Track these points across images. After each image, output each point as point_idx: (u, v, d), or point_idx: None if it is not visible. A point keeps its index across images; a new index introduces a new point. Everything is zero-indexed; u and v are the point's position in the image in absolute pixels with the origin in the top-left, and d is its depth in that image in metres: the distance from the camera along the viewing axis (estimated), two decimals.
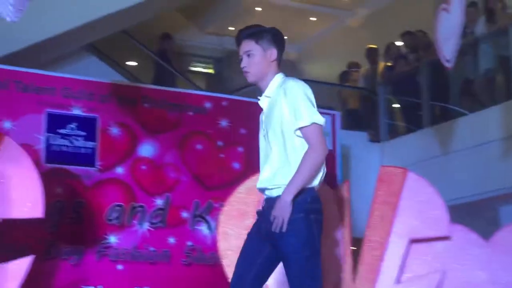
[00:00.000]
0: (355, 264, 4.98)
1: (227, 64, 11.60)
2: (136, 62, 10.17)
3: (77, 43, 8.12)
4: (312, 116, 3.49)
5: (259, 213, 3.61)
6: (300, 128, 3.48)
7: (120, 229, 6.01)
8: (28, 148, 5.40)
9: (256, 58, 3.60)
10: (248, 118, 6.07)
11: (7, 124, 5.64)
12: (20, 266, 4.55)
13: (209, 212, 6.31)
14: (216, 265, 5.42)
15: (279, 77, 3.63)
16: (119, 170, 6.10)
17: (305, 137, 3.49)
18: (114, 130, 6.14)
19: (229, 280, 3.62)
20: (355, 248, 5.10)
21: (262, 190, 3.59)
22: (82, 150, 5.99)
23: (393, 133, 9.04)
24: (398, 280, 4.83)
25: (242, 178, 5.34)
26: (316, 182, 3.49)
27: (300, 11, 11.76)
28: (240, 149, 6.62)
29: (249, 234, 3.60)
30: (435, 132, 8.00)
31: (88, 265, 5.82)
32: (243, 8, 11.25)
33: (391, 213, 4.91)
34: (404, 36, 9.59)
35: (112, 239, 5.97)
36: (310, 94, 3.54)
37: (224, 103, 6.73)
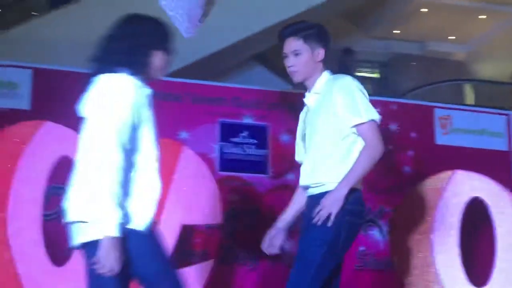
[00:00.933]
0: None
1: (393, 68, 11.45)
2: None
3: (245, 54, 8.35)
4: (369, 112, 3.39)
5: (304, 214, 3.57)
6: (356, 125, 3.37)
7: (295, 234, 6.07)
8: (203, 157, 5.64)
9: (304, 57, 3.52)
10: (417, 122, 5.96)
11: (184, 135, 5.89)
12: (202, 271, 4.73)
13: (381, 216, 6.24)
14: (387, 271, 5.36)
15: (327, 74, 3.56)
16: (291, 176, 6.19)
17: (362, 134, 3.38)
18: (285, 137, 6.23)
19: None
20: None
21: (306, 188, 3.52)
22: (254, 158, 6.14)
23: None
24: None
25: (412, 181, 5.25)
26: (360, 184, 3.42)
27: (469, 10, 11.41)
28: (410, 152, 6.50)
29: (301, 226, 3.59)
30: None
31: (264, 270, 5.94)
32: (409, 10, 11.07)
33: None
34: None
35: (287, 244, 6.02)
36: (364, 90, 3.44)
37: (393, 107, 6.65)
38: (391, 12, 10.78)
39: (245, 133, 6.11)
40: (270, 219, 6.07)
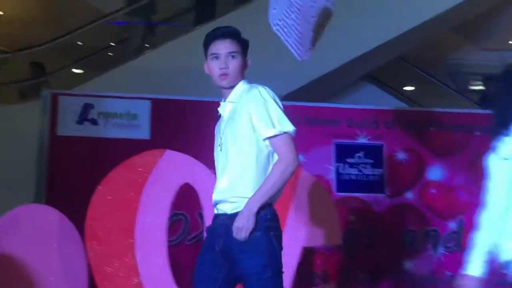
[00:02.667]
0: None
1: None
2: (413, 86, 10.15)
3: (356, 74, 8.32)
4: (283, 124, 3.18)
5: (209, 231, 3.29)
6: (269, 138, 3.16)
7: (414, 254, 5.99)
8: (320, 179, 5.65)
9: (239, 62, 3.33)
10: None
11: (300, 158, 5.92)
12: None
13: None
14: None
15: (244, 82, 3.35)
16: (409, 195, 6.11)
17: (274, 147, 3.17)
18: (400, 156, 6.17)
19: None
20: None
21: (216, 204, 3.27)
22: (371, 178, 6.10)
23: None
24: None
25: None
26: (277, 198, 3.20)
27: None
28: None
29: (200, 257, 3.27)
30: None
31: None
32: None
33: None
34: None
35: (407, 264, 5.97)
36: (279, 101, 3.24)
37: None
38: (505, 22, 10.45)
39: (360, 153, 6.09)
40: (389, 238, 6.06)
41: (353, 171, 6.07)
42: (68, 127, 5.74)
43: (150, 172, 4.56)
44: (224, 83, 3.30)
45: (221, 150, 3.27)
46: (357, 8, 7.17)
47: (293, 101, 6.49)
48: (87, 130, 5.72)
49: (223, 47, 3.30)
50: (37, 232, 4.43)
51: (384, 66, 8.75)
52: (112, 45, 9.38)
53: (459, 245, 6.02)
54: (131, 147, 5.35)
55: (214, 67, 3.30)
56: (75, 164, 5.59)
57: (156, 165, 4.60)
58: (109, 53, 9.44)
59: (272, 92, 3.27)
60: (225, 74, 3.28)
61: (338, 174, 6.04)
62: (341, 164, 6.05)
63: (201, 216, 5.30)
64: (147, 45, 8.71)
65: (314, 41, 3.97)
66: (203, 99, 5.78)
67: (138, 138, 5.66)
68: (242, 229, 3.06)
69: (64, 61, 9.20)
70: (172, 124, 5.76)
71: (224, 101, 3.34)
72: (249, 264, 3.07)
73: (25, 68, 8.60)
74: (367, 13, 7.30)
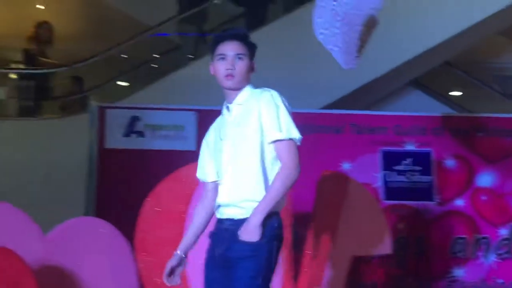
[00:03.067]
0: None
1: None
2: (460, 91, 10.01)
3: (402, 80, 8.24)
4: (291, 130, 3.14)
5: (212, 236, 3.23)
6: (275, 141, 3.13)
7: (465, 262, 5.90)
8: (367, 187, 5.60)
9: (245, 65, 3.27)
10: None
11: (346, 166, 5.91)
12: None
13: None
14: None
15: (251, 87, 3.30)
16: (459, 202, 6.02)
17: (279, 152, 3.14)
18: (449, 162, 6.09)
19: None
20: None
21: (220, 206, 3.22)
22: (419, 185, 6.03)
23: None
24: None
25: None
26: (282, 206, 3.18)
27: None
28: None
29: (206, 264, 3.24)
30: None
31: None
32: None
33: None
34: None
35: (458, 272, 5.88)
36: (289, 107, 3.20)
37: None
38: None
39: (408, 161, 6.03)
40: (439, 246, 5.98)
41: (401, 178, 6.02)
42: (116, 140, 5.81)
43: (197, 183, 4.57)
44: (229, 83, 3.25)
45: (226, 151, 3.23)
46: (403, 14, 7.11)
47: (338, 109, 6.49)
48: (134, 143, 5.79)
49: (230, 48, 3.28)
50: (88, 244, 4.48)
51: (430, 72, 8.65)
52: (156, 57, 9.46)
53: (511, 252, 5.93)
54: (178, 159, 5.37)
55: (220, 68, 3.26)
56: (123, 176, 5.66)
57: None
58: (153, 65, 9.53)
59: (283, 97, 3.26)
60: (231, 75, 3.23)
61: (386, 182, 5.99)
62: (389, 172, 6.00)
63: None
64: (191, 56, 8.77)
65: (359, 49, 3.95)
66: None
67: (184, 150, 5.70)
68: (247, 243, 3.04)
69: (109, 74, 9.32)
70: None
71: (231, 103, 3.28)
72: (245, 266, 3.06)
73: (69, 82, 8.74)
74: (413, 19, 7.24)
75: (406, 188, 6.02)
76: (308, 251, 4.67)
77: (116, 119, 5.83)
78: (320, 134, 5.94)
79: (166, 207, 4.52)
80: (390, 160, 6.03)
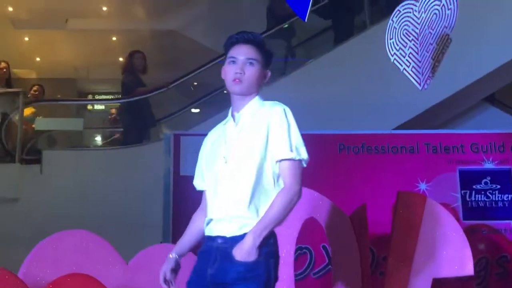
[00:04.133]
0: None
1: None
2: None
3: (477, 97, 8.10)
4: (300, 151, 3.01)
5: (201, 254, 3.05)
6: (282, 160, 3.00)
7: None
8: (446, 207, 5.50)
9: (256, 71, 3.11)
10: None
11: (423, 186, 5.83)
12: None
13: None
14: None
15: (260, 98, 3.13)
16: None
17: (284, 171, 3.01)
18: None
19: None
20: None
21: (210, 222, 3.04)
22: (499, 204, 5.89)
23: None
24: None
25: None
26: (279, 226, 3.01)
27: None
28: None
29: (191, 282, 3.04)
30: None
31: None
32: None
33: None
34: None
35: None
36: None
37: None
38: None
39: (487, 179, 5.91)
40: None
41: (480, 197, 5.89)
42: (191, 167, 5.86)
43: None
44: (236, 88, 3.11)
45: (226, 162, 3.09)
46: (477, 31, 7.01)
47: (411, 128, 6.42)
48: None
49: (242, 51, 3.14)
50: None
51: (506, 88, 8.46)
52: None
53: None
54: None
55: (229, 71, 3.14)
56: (198, 204, 5.71)
57: None
58: (225, 91, 9.64)
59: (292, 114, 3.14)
60: (239, 80, 3.10)
61: (465, 201, 5.88)
62: (467, 191, 5.89)
63: (325, 249, 5.28)
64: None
65: (434, 68, 3.91)
66: (324, 133, 5.80)
67: None
68: (242, 263, 2.92)
69: (182, 101, 9.48)
70: None
71: (238, 111, 3.15)
72: (245, 285, 2.93)
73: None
74: (486, 35, 7.13)
75: (485, 207, 5.89)
76: (387, 273, 4.62)
77: (191, 146, 5.90)
78: (394, 154, 5.88)
79: None
80: (468, 179, 5.92)
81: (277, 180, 3.05)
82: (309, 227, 4.75)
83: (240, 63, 3.12)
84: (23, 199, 7.76)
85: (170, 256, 3.23)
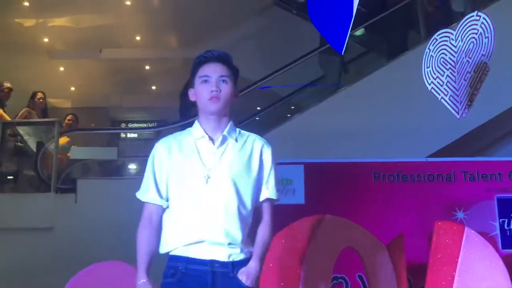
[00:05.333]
0: None
1: None
2: None
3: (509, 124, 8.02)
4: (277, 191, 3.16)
5: (184, 277, 2.98)
6: (269, 199, 3.14)
7: None
8: (484, 236, 5.40)
9: (231, 88, 3.12)
10: None
11: (460, 215, 5.74)
12: None
13: None
14: None
15: (232, 124, 3.16)
16: None
17: (266, 209, 3.16)
18: None
19: None
20: None
21: (204, 244, 2.99)
22: None
23: None
24: None
25: None
26: None
27: None
28: None
29: None
30: None
31: None
32: None
33: None
34: None
35: None
36: None
37: None
38: None
39: None
40: None
41: None
42: None
43: (311, 238, 4.54)
44: (213, 107, 3.10)
45: (206, 183, 3.05)
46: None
47: (446, 155, 6.35)
48: None
49: (214, 69, 3.14)
50: None
51: None
52: (259, 109, 9.62)
53: None
54: (287, 213, 5.36)
55: (203, 90, 3.11)
56: None
57: (317, 231, 4.59)
58: (257, 118, 9.68)
59: None
60: (216, 97, 3.09)
61: (503, 229, 5.77)
62: (506, 219, 5.78)
63: (361, 278, 5.22)
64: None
65: (471, 97, 3.87)
66: (359, 161, 5.76)
67: (293, 203, 5.68)
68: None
69: None
70: (325, 188, 5.75)
71: (214, 133, 3.14)
72: None
73: None
74: None
75: None
76: None
77: None
78: (431, 183, 5.81)
79: (279, 262, 4.50)
80: (507, 207, 5.81)
81: (253, 213, 3.14)
82: (345, 256, 4.71)
83: (214, 81, 3.11)
84: (58, 228, 7.82)
85: (143, 281, 3.15)
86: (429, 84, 3.89)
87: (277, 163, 5.90)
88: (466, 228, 4.75)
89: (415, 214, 5.63)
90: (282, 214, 5.37)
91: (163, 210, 3.19)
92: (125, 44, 12.91)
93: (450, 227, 4.75)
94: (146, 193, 3.22)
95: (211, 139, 3.14)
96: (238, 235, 3.04)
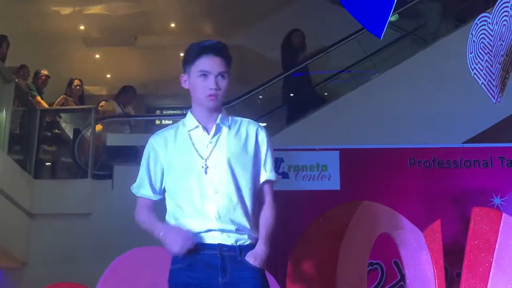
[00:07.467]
0: None
1: None
2: None
3: None
4: (274, 172, 3.16)
5: (200, 263, 2.98)
6: (269, 181, 3.12)
7: None
8: None
9: (228, 83, 3.07)
10: None
11: (497, 201, 5.68)
12: None
13: None
14: None
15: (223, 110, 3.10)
16: None
17: (267, 191, 3.13)
18: None
19: None
20: None
21: (202, 232, 3.00)
22: None
23: None
24: None
25: None
26: None
27: None
28: None
29: None
30: None
31: None
32: None
33: None
34: None
35: None
36: None
37: None
38: None
39: None
40: None
41: None
42: None
43: (347, 224, 4.56)
44: (211, 104, 3.07)
45: (205, 173, 3.05)
46: None
47: (482, 141, 6.28)
48: (279, 184, 5.80)
49: (214, 65, 3.06)
50: None
51: None
52: (291, 96, 9.60)
53: None
54: (323, 199, 5.40)
55: (200, 86, 3.06)
56: None
57: (353, 217, 4.60)
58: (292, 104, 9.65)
59: None
60: (215, 96, 3.05)
61: None
62: None
63: (397, 264, 5.21)
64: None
65: (504, 81, 3.84)
66: (394, 147, 5.74)
67: (329, 189, 5.68)
68: (257, 270, 3.01)
69: (249, 115, 9.53)
70: (360, 174, 5.74)
71: (207, 122, 3.13)
72: None
73: None
74: None
75: None
76: None
77: None
78: (467, 169, 5.76)
79: (316, 250, 4.54)
80: None
81: (255, 196, 3.12)
82: (380, 242, 4.72)
83: (213, 78, 3.05)
84: (95, 214, 7.93)
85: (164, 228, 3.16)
86: (472, 70, 3.85)
87: (313, 149, 5.96)
88: (503, 214, 4.72)
89: (452, 200, 5.59)
90: (318, 200, 5.44)
91: (152, 203, 3.32)
92: (160, 31, 12.98)
93: (487, 213, 4.72)
94: (140, 188, 3.31)
95: (205, 128, 3.14)
96: (243, 220, 3.06)
